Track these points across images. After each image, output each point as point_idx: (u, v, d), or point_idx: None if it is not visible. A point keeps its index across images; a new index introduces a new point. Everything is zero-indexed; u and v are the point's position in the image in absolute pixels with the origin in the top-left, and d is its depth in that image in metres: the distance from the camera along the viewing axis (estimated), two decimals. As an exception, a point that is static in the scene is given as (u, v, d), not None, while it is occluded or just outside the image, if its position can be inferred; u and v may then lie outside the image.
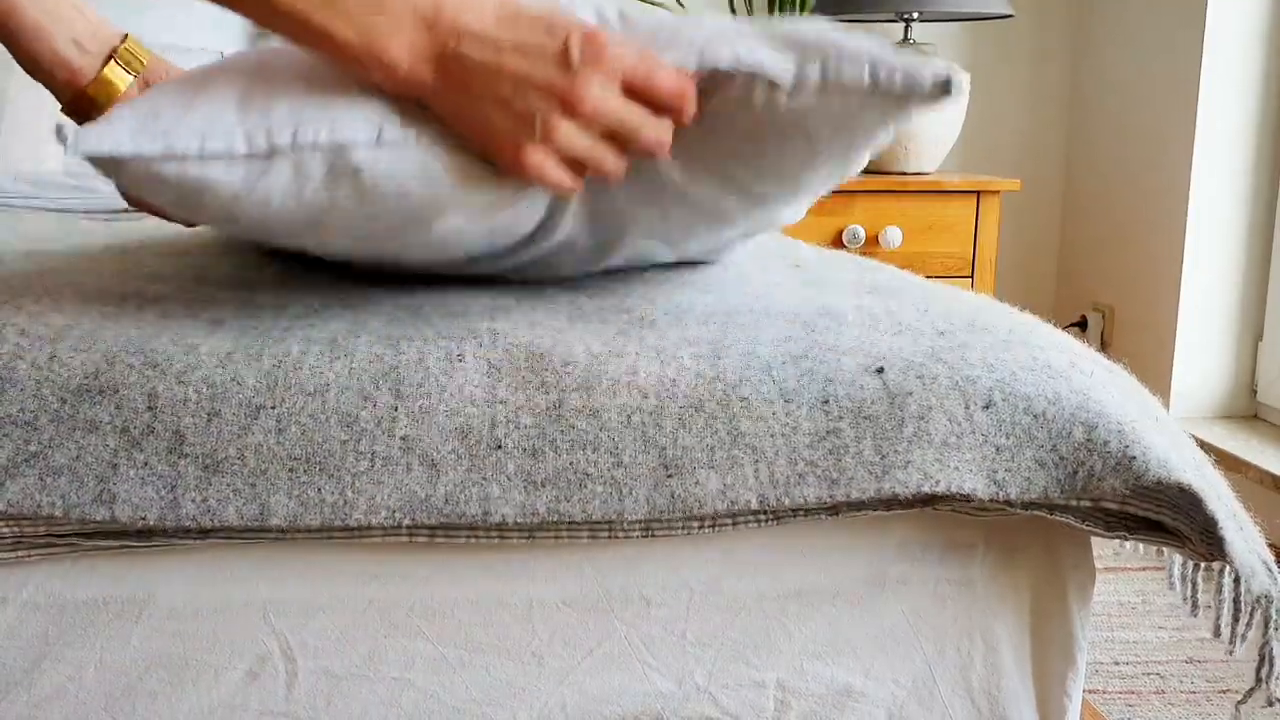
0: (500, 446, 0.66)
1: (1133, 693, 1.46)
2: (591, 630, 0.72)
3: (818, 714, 0.75)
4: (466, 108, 0.65)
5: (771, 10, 2.17)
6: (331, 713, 0.71)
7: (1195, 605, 0.80)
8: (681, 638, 0.73)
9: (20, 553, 0.66)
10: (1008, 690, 0.76)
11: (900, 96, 0.66)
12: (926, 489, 0.68)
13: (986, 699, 0.76)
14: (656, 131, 0.67)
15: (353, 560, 0.70)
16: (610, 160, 0.67)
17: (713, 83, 0.68)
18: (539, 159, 0.65)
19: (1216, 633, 0.74)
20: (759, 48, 0.67)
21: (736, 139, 0.70)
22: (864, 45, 0.67)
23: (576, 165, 0.66)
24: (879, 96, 0.67)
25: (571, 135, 0.65)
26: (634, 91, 0.66)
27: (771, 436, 0.68)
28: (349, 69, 0.65)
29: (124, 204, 1.13)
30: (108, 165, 0.64)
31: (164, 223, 1.28)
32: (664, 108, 0.67)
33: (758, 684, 0.74)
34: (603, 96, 0.65)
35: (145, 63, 0.86)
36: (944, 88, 0.66)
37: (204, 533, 0.67)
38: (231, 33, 2.16)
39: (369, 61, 0.64)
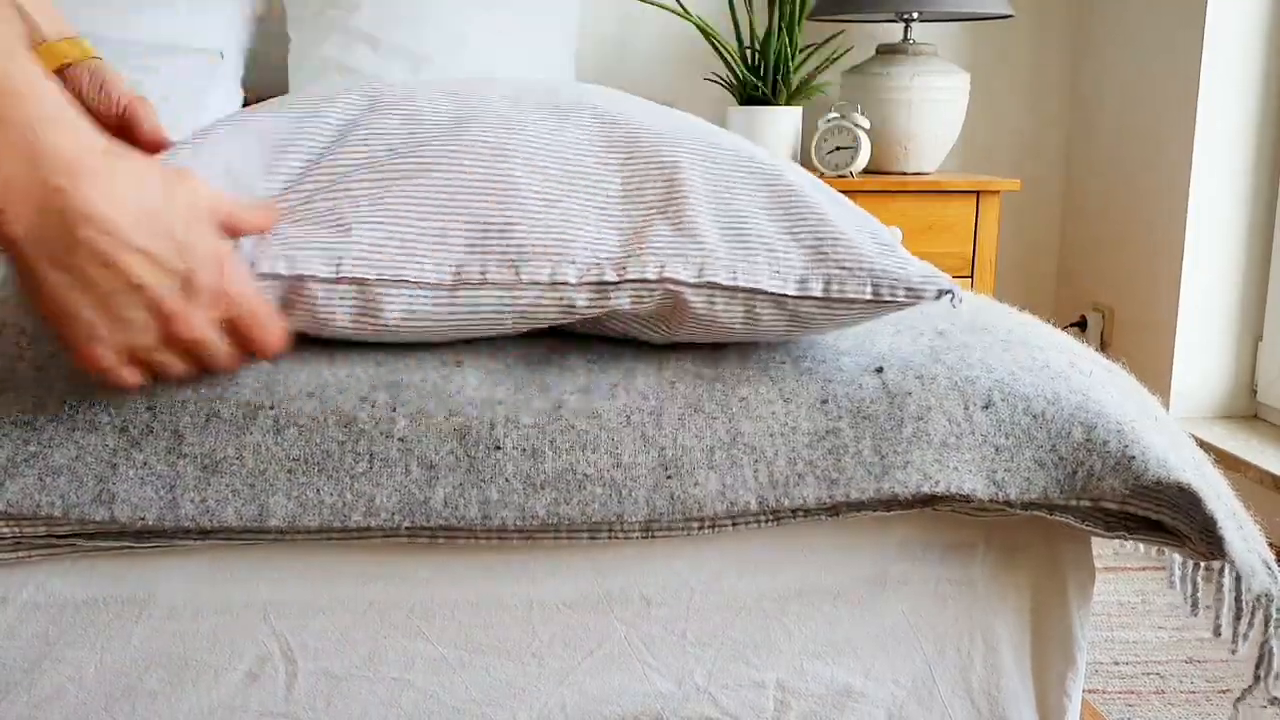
0: (499, 448, 0.66)
1: (1133, 693, 1.46)
2: (591, 630, 0.72)
3: (818, 714, 0.75)
4: (56, 284, 0.58)
5: (771, 10, 2.17)
6: (331, 713, 0.71)
7: (1195, 605, 0.80)
8: (681, 638, 0.73)
9: (20, 553, 0.66)
10: (1008, 690, 0.76)
11: (902, 304, 0.68)
12: (926, 489, 0.68)
13: (986, 699, 0.76)
14: (230, 363, 0.65)
15: (352, 561, 0.70)
16: (176, 371, 0.64)
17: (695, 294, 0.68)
18: (113, 361, 0.61)
19: (1217, 632, 0.74)
20: (757, 261, 0.68)
21: (727, 328, 0.70)
22: (867, 252, 0.68)
23: (145, 365, 0.63)
24: (879, 305, 0.68)
25: (155, 348, 0.62)
26: (231, 323, 0.64)
27: (770, 436, 0.68)
28: None
29: None
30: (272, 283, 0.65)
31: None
32: (251, 348, 0.66)
33: (758, 684, 0.74)
34: (205, 328, 0.62)
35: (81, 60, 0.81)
36: (946, 296, 0.67)
37: (203, 533, 0.67)
38: (231, 33, 2.16)
39: None
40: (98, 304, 0.59)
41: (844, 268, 0.67)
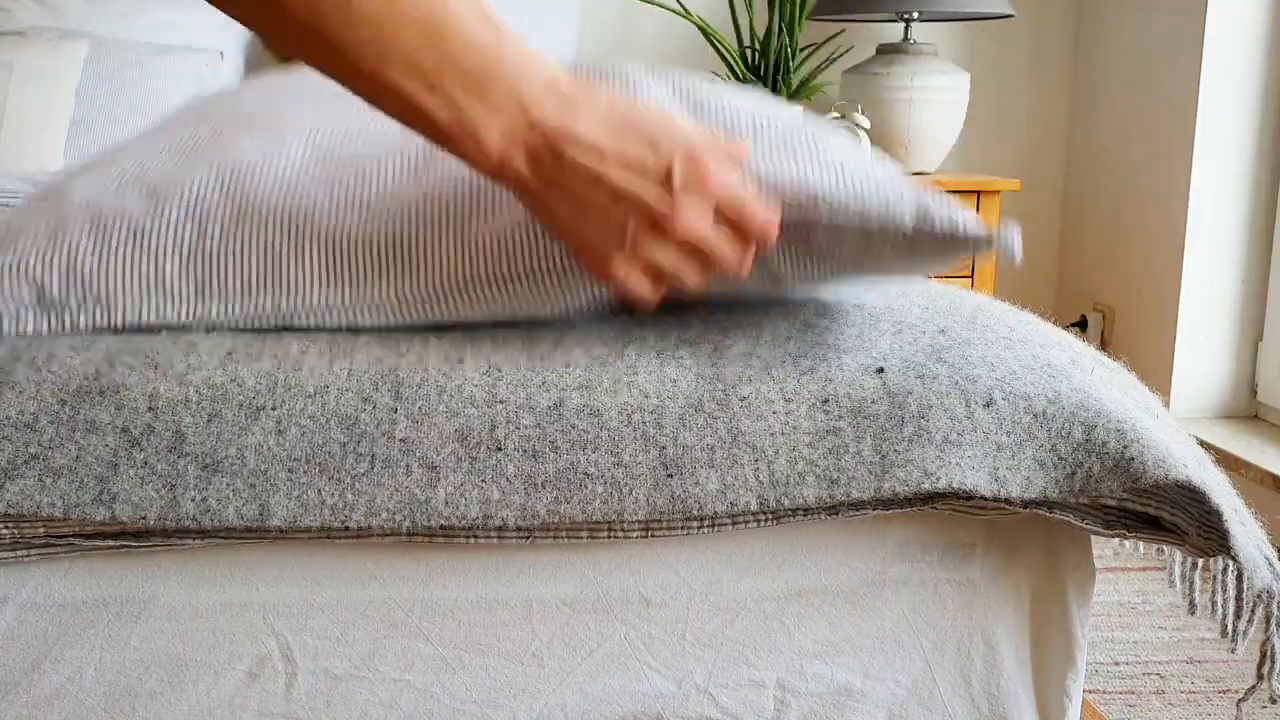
0: (500, 448, 0.66)
1: (1133, 693, 1.46)
2: (591, 631, 0.72)
3: (818, 714, 0.75)
4: (559, 208, 0.64)
5: (771, 10, 2.17)
6: (331, 713, 0.71)
7: (1194, 604, 0.80)
8: (681, 638, 0.73)
9: (20, 553, 0.66)
10: (1008, 690, 0.76)
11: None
12: (927, 485, 0.68)
13: (986, 699, 0.76)
14: (739, 259, 0.67)
15: (352, 561, 0.70)
16: (691, 276, 0.67)
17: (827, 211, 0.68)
18: (625, 270, 0.65)
19: (1224, 632, 0.74)
20: (890, 189, 0.69)
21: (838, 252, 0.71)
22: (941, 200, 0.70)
23: (658, 275, 0.67)
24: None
25: (659, 252, 0.65)
26: (725, 217, 0.66)
27: (771, 435, 0.68)
28: (442, 146, 0.64)
29: None
30: None
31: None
32: (750, 237, 0.67)
33: (757, 684, 0.74)
34: (696, 221, 0.65)
35: None
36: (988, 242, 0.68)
37: (203, 533, 0.67)
38: (232, 33, 2.16)
39: (462, 140, 0.63)
40: (599, 221, 0.64)
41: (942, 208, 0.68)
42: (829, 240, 0.69)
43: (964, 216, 0.68)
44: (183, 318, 0.71)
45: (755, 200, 0.66)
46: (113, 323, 0.71)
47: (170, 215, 0.72)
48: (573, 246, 0.66)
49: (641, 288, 0.66)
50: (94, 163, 0.81)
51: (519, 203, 0.68)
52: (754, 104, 0.76)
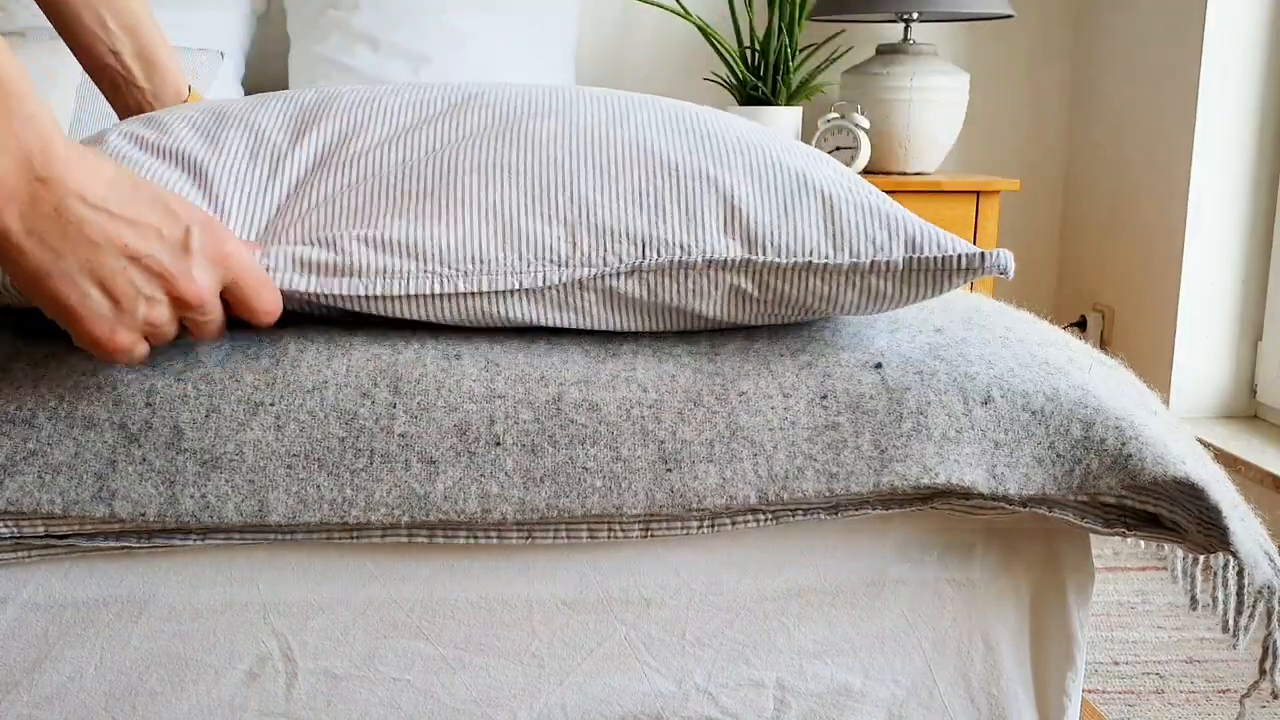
0: (499, 443, 0.66)
1: (1132, 693, 1.46)
2: (591, 631, 0.72)
3: (817, 714, 0.75)
4: (55, 272, 0.58)
5: (771, 10, 2.17)
6: (331, 713, 0.71)
7: (1195, 601, 0.80)
8: (681, 638, 0.73)
9: (20, 553, 0.66)
10: (1007, 690, 0.76)
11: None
12: (926, 481, 0.68)
13: (986, 699, 0.76)
14: (221, 329, 0.66)
15: (352, 560, 0.70)
16: (171, 333, 0.64)
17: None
18: (130, 341, 0.61)
19: (1225, 628, 0.74)
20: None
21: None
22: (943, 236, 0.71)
23: (153, 337, 0.64)
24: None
25: (163, 316, 0.62)
26: (230, 293, 0.64)
27: (770, 431, 0.68)
28: None
29: None
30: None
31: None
32: (248, 316, 0.66)
33: (757, 684, 0.74)
34: (207, 290, 0.62)
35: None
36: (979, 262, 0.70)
37: (203, 532, 0.67)
38: (231, 33, 2.16)
39: None
40: (103, 286, 0.59)
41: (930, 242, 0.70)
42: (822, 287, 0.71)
43: (955, 244, 0.69)
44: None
45: (264, 278, 0.65)
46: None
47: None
48: (65, 313, 0.60)
49: (141, 351, 0.63)
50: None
51: None
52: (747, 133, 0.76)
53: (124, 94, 1.01)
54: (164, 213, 0.61)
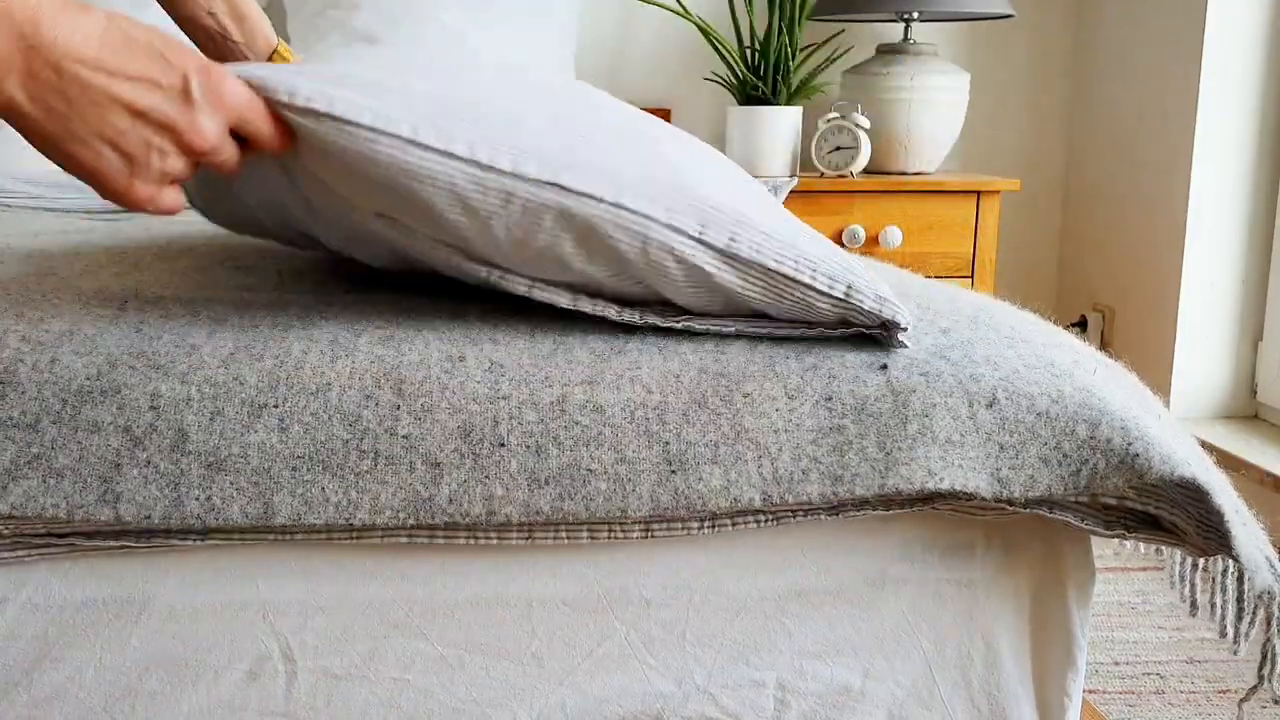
0: (504, 444, 0.66)
1: (1133, 693, 1.46)
2: (591, 630, 0.72)
3: (818, 714, 0.75)
4: (66, 136, 0.60)
5: (771, 9, 2.17)
6: (331, 713, 0.71)
7: (1194, 605, 0.80)
8: (681, 638, 0.73)
9: (20, 553, 0.66)
10: (1008, 690, 0.76)
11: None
12: (930, 486, 0.68)
13: (986, 699, 0.76)
14: (239, 162, 0.67)
15: (352, 560, 0.70)
16: (189, 175, 0.66)
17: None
18: (150, 192, 0.64)
19: (1223, 633, 0.74)
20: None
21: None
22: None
23: (172, 185, 0.66)
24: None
25: (178, 166, 0.64)
26: (239, 128, 0.65)
27: (775, 433, 0.68)
28: None
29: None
30: (315, 120, 0.64)
31: (164, 222, 1.28)
32: (263, 146, 0.67)
33: (757, 684, 0.74)
34: (216, 134, 0.64)
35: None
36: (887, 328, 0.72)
37: (204, 533, 0.67)
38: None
39: None
40: (113, 143, 0.61)
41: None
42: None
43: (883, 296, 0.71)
44: None
45: (266, 113, 0.66)
46: None
47: None
48: (84, 173, 0.62)
49: (171, 203, 0.65)
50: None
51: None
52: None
53: (220, 47, 1.04)
54: (161, 64, 0.61)
